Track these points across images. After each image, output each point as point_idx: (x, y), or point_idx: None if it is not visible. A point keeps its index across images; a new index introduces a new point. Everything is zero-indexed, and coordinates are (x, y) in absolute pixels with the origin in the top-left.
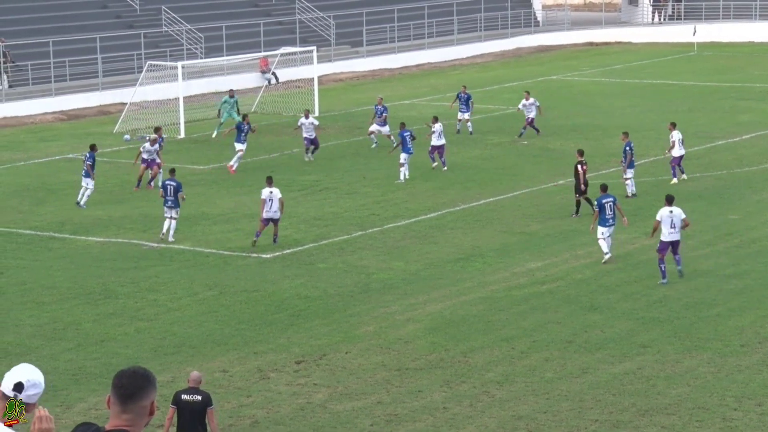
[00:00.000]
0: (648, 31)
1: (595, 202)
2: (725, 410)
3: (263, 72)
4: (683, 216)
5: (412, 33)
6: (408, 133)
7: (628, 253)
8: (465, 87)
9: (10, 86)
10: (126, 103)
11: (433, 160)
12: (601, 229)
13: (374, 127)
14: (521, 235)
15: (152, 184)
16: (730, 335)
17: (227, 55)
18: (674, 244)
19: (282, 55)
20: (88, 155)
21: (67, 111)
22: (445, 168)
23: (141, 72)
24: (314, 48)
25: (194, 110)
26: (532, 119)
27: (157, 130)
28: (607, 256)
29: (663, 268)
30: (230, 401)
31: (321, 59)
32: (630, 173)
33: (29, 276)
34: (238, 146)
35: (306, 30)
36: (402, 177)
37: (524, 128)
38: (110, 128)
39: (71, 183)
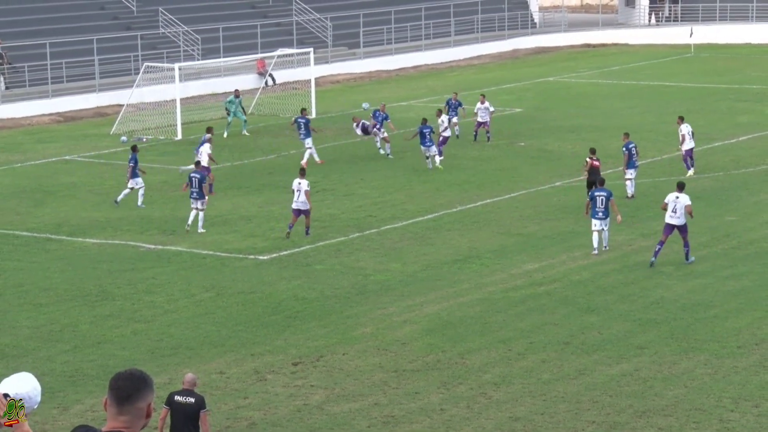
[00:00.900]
0: (645, 33)
1: (589, 194)
2: (722, 411)
3: (260, 74)
4: (688, 203)
5: (409, 34)
6: (429, 130)
7: (624, 255)
8: (456, 94)
9: (7, 88)
10: (123, 105)
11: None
12: (593, 221)
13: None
14: (518, 237)
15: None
16: (727, 337)
17: (224, 57)
18: (679, 229)
19: (279, 56)
20: (130, 156)
21: (64, 112)
22: (441, 158)
23: (138, 73)
24: (311, 49)
25: (191, 112)
26: (484, 123)
27: (208, 129)
28: (593, 252)
29: (657, 249)
30: (227, 403)
31: (318, 61)
32: (630, 173)
33: (26, 278)
34: (307, 142)
35: (303, 31)
36: (431, 165)
37: (475, 132)
38: (107, 130)
39: (68, 185)
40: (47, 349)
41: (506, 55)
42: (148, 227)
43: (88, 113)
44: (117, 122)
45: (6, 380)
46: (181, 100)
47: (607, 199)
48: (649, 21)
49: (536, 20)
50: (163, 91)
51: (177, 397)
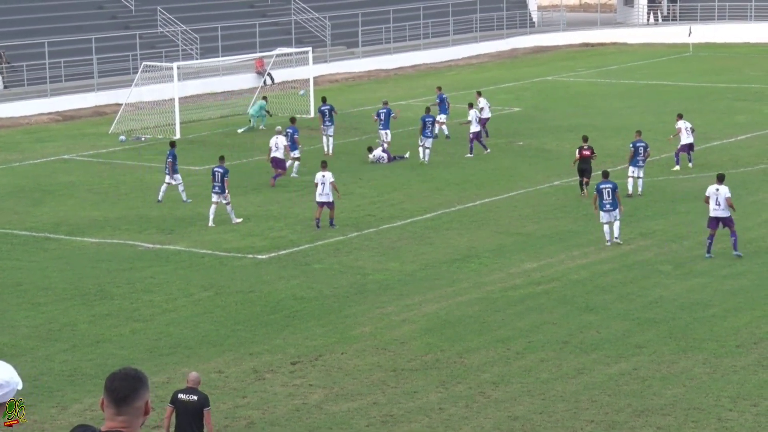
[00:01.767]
0: (644, 32)
1: (595, 187)
2: (721, 411)
3: (259, 73)
4: (728, 195)
5: (408, 34)
6: (431, 120)
7: (623, 254)
8: (440, 88)
9: (5, 87)
10: (121, 104)
11: (471, 150)
12: (601, 213)
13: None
14: (517, 236)
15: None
16: (725, 336)
17: (223, 56)
18: (725, 221)
19: (278, 56)
20: (168, 152)
21: (62, 112)
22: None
23: (136, 73)
24: (310, 49)
25: (190, 111)
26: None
27: (292, 120)
28: (606, 243)
29: (708, 243)
30: (226, 402)
31: (316, 60)
32: (632, 171)
33: (25, 277)
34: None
35: (301, 31)
36: (422, 157)
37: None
38: (106, 129)
39: (67, 184)
40: (46, 349)
41: (505, 55)
42: (146, 226)
43: (86, 112)
44: (115, 121)
45: None
46: (180, 99)
47: (613, 190)
48: (648, 20)
49: (535, 19)
50: (162, 90)
51: (180, 395)
